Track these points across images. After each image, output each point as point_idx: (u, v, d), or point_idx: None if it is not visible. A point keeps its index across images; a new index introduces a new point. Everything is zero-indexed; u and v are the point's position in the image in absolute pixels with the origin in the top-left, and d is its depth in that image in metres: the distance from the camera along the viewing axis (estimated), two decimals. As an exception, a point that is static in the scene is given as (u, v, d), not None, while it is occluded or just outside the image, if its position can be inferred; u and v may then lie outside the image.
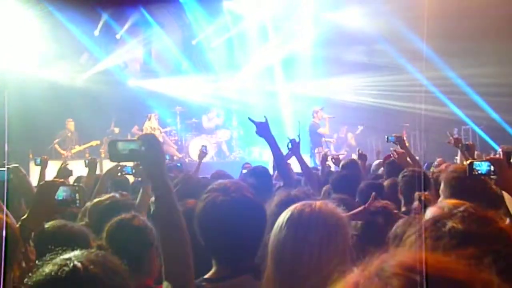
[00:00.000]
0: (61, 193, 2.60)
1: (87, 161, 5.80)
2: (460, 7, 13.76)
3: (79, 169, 8.12)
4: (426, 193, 3.73)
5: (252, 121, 4.36)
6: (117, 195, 3.64)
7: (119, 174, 5.42)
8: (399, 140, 6.17)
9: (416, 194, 3.68)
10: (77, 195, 2.64)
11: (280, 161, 4.41)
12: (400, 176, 4.67)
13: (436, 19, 14.75)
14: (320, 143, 13.19)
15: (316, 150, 12.99)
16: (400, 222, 2.30)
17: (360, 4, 15.68)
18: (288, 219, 1.94)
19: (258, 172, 5.11)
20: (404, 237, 1.12)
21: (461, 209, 1.15)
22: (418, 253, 0.96)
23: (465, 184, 3.31)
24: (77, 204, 2.66)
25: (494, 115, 14.49)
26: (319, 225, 1.90)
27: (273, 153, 4.37)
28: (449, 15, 14.17)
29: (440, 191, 3.53)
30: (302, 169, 5.35)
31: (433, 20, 14.83)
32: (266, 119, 4.34)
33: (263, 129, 4.30)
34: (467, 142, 6.47)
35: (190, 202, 3.02)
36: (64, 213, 3.19)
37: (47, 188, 2.63)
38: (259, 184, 4.38)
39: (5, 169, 3.70)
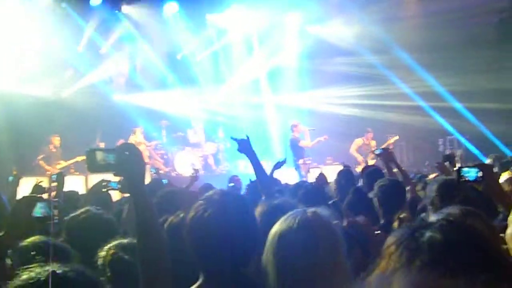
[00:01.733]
0: (38, 209, 2.51)
1: (54, 176, 5.68)
2: (443, 18, 13.91)
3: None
4: (405, 214, 3.72)
5: (234, 139, 4.40)
6: (91, 208, 3.52)
7: (104, 189, 5.33)
8: (386, 153, 6.20)
9: (396, 216, 3.66)
10: (55, 210, 2.56)
11: (261, 176, 4.35)
12: (376, 186, 4.54)
13: (419, 30, 14.94)
14: (303, 155, 13.20)
15: (300, 161, 13.00)
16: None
17: (343, 16, 15.80)
18: (286, 229, 1.93)
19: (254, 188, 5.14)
20: (384, 247, 1.08)
21: (440, 217, 1.13)
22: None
23: (452, 192, 3.29)
24: (55, 220, 2.58)
25: (479, 125, 14.59)
26: (319, 233, 1.90)
27: (254, 169, 4.33)
28: (432, 26, 14.35)
29: (429, 202, 3.50)
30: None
31: (416, 31, 15.01)
32: (247, 137, 4.37)
33: (244, 146, 4.33)
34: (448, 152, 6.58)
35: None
36: (46, 229, 3.11)
37: (24, 204, 2.55)
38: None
39: None
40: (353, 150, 14.26)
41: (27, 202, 2.56)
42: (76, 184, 11.14)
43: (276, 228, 1.98)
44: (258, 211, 2.77)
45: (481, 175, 3.06)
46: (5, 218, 2.72)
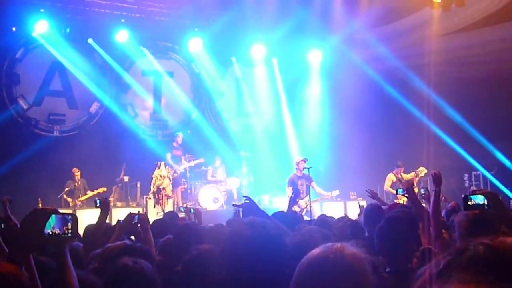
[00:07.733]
0: (51, 224, 2.36)
1: (98, 202, 5.20)
2: (468, 53, 13.90)
3: (87, 218, 8.12)
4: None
5: (238, 206, 4.45)
6: (127, 241, 3.57)
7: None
8: (409, 191, 6.06)
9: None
10: (69, 224, 2.40)
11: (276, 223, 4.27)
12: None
13: (444, 65, 14.91)
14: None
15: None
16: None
17: (367, 52, 15.87)
18: (312, 263, 1.89)
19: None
20: None
21: None
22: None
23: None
24: (69, 235, 2.40)
25: (505, 160, 14.42)
26: (345, 269, 1.86)
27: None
28: (457, 61, 14.32)
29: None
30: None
31: (441, 66, 14.99)
32: (249, 198, 4.36)
33: (250, 209, 4.22)
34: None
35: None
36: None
37: (36, 217, 2.38)
38: None
39: None
40: (387, 186, 13.75)
41: (40, 215, 2.39)
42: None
43: (302, 261, 1.94)
44: (290, 243, 2.76)
45: (486, 202, 3.25)
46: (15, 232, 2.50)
